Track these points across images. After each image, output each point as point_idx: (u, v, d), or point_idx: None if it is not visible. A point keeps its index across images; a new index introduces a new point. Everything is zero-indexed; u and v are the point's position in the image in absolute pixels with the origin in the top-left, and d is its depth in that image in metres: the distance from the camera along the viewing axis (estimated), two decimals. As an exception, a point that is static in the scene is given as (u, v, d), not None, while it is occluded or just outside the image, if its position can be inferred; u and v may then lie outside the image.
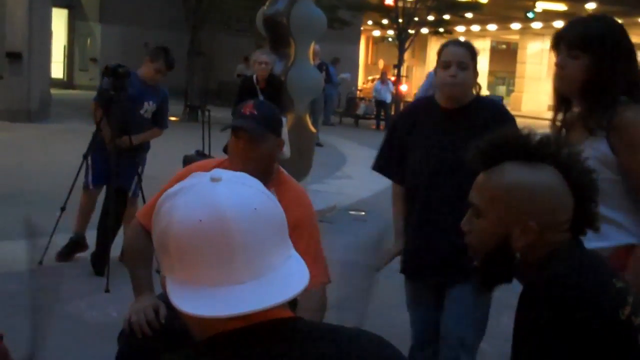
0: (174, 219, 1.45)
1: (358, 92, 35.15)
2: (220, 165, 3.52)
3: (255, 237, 1.44)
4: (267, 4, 9.79)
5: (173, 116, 20.51)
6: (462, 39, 4.55)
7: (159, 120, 7.38)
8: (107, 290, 6.24)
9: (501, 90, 61.52)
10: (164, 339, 3.18)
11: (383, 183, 13.31)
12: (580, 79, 3.07)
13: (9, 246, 7.48)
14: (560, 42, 3.16)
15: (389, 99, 27.19)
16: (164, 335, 3.24)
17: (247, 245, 1.43)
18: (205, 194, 1.46)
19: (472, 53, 3.95)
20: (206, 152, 9.86)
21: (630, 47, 3.14)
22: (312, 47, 10.26)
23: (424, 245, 4.02)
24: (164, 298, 3.45)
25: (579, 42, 3.07)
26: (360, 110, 28.93)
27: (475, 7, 32.23)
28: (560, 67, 3.14)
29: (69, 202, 7.05)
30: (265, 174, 3.39)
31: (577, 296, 1.95)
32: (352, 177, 13.81)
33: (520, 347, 2.03)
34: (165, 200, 1.51)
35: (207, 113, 9.88)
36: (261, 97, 8.99)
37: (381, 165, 4.28)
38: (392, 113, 27.96)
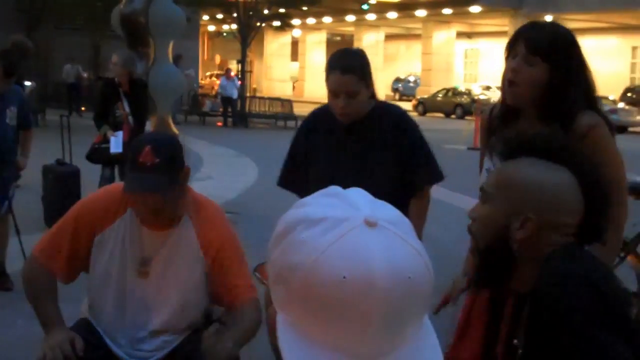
0: (311, 261, 1.16)
1: (199, 88, 34.79)
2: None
3: (400, 311, 1.17)
4: (123, 2, 9.36)
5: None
6: (354, 47, 4.32)
7: (26, 121, 6.83)
8: (-18, 319, 5.73)
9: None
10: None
11: (246, 182, 13.29)
12: (536, 86, 2.95)
13: None
14: (517, 43, 3.01)
15: (235, 94, 26.99)
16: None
17: (388, 320, 1.16)
18: (357, 244, 1.16)
19: (362, 73, 3.72)
20: (67, 159, 9.32)
21: (583, 57, 3.07)
22: (172, 45, 9.92)
23: None
24: (78, 329, 3.15)
25: (543, 49, 2.92)
26: (206, 107, 28.57)
27: (313, 0, 32.37)
28: (514, 71, 2.98)
29: None
30: (180, 207, 3.12)
31: (597, 292, 1.89)
32: (213, 178, 13.54)
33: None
34: (302, 226, 1.20)
35: (65, 118, 9.33)
36: (125, 101, 8.60)
37: (287, 181, 4.07)
38: (239, 109, 27.82)
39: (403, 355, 1.19)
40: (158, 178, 2.92)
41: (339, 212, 1.20)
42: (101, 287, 3.24)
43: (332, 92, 3.72)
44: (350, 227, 1.17)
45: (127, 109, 8.56)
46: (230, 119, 27.35)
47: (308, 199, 1.27)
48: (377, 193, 3.74)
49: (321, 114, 4.00)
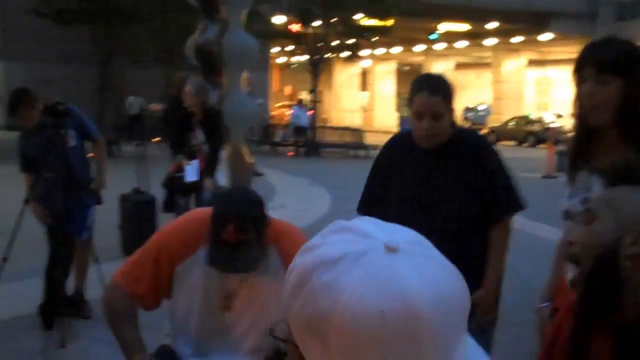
0: (342, 303, 1.08)
1: (270, 119, 35.10)
2: None
3: (446, 334, 1.11)
4: (197, 32, 9.48)
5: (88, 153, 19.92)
6: (433, 72, 4.18)
7: (92, 134, 6.91)
8: (62, 346, 5.75)
9: (407, 111, 62.24)
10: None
11: (319, 210, 13.27)
12: (613, 105, 2.83)
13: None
14: (584, 66, 2.91)
15: (307, 124, 27.13)
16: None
17: (437, 343, 1.10)
18: (385, 273, 1.09)
19: (447, 96, 3.65)
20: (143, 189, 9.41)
21: None
22: (245, 75, 9.99)
23: None
24: (161, 356, 3.13)
25: (612, 66, 2.81)
26: (277, 137, 28.73)
27: (383, 31, 32.42)
28: (590, 95, 2.88)
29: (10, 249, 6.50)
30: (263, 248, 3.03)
31: None
32: (287, 207, 13.55)
33: None
34: (322, 269, 1.12)
35: (142, 148, 9.44)
36: (199, 130, 8.67)
37: (366, 207, 3.98)
38: (310, 138, 27.95)
39: None
40: (244, 254, 2.87)
41: (355, 245, 1.14)
42: (184, 318, 3.21)
43: (417, 113, 3.64)
44: (373, 258, 1.11)
45: (201, 137, 8.62)
46: (301, 149, 27.44)
47: (315, 240, 1.19)
48: (456, 221, 3.64)
49: (402, 139, 3.94)
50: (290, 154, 27.47)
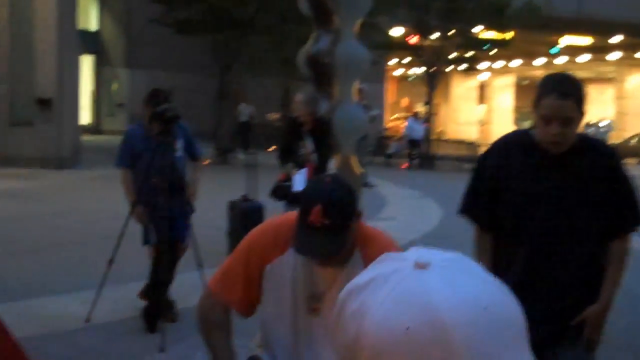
0: (368, 324, 1.04)
1: (385, 131, 35.02)
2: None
3: (487, 349, 1.02)
4: (309, 42, 9.49)
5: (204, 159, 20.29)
6: (563, 73, 3.81)
7: (195, 152, 7.08)
8: (162, 350, 5.79)
9: (526, 125, 61.17)
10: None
11: (429, 224, 13.09)
12: None
13: (53, 303, 7.10)
14: None
15: (421, 136, 26.96)
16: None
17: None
18: (411, 289, 1.04)
19: (579, 99, 3.38)
20: (252, 196, 9.47)
21: None
22: (358, 86, 9.95)
23: (530, 303, 3.57)
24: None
25: None
26: (391, 149, 28.63)
27: (502, 44, 31.92)
28: None
29: (115, 252, 6.63)
30: (351, 247, 2.92)
31: None
32: (396, 219, 13.41)
33: None
34: (352, 296, 1.10)
35: (252, 156, 9.49)
36: (308, 140, 8.65)
37: (469, 208, 3.76)
38: (424, 151, 27.74)
39: None
40: (327, 240, 2.75)
41: (386, 268, 1.10)
42: (274, 323, 3.14)
43: (545, 117, 3.38)
44: (401, 276, 1.06)
45: (310, 147, 8.60)
46: (415, 161, 27.25)
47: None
48: (574, 230, 3.43)
49: (516, 140, 3.69)
50: (404, 166, 27.29)
